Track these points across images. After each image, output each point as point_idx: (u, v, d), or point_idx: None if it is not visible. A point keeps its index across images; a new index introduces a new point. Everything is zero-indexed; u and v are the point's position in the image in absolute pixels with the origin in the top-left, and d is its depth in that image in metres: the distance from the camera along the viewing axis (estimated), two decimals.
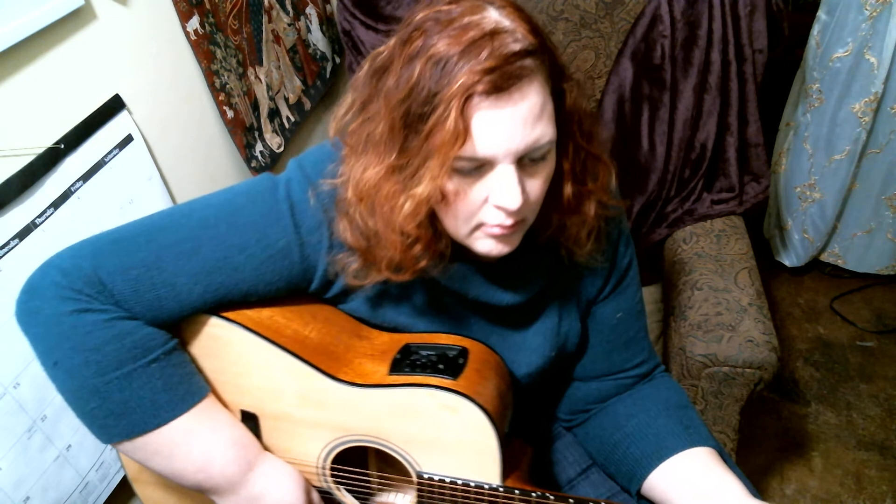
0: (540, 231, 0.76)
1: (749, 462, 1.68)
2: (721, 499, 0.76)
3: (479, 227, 0.68)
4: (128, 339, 0.69)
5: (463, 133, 0.60)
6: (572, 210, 0.74)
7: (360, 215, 0.69)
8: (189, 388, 0.74)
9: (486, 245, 0.69)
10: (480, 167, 0.64)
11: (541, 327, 0.85)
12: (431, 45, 0.60)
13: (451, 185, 0.64)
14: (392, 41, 0.66)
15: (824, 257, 2.14)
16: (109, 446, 0.99)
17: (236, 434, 0.77)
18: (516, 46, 0.60)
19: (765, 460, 1.70)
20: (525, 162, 0.64)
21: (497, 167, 0.63)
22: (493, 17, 0.62)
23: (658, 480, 0.82)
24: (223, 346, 0.78)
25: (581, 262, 0.80)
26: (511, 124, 0.61)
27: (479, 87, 0.59)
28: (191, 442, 0.74)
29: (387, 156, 0.65)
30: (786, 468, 1.68)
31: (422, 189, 0.63)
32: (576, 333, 0.87)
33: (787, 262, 2.15)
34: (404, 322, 0.82)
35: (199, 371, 0.79)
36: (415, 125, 0.62)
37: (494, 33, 0.60)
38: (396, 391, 0.75)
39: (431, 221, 0.69)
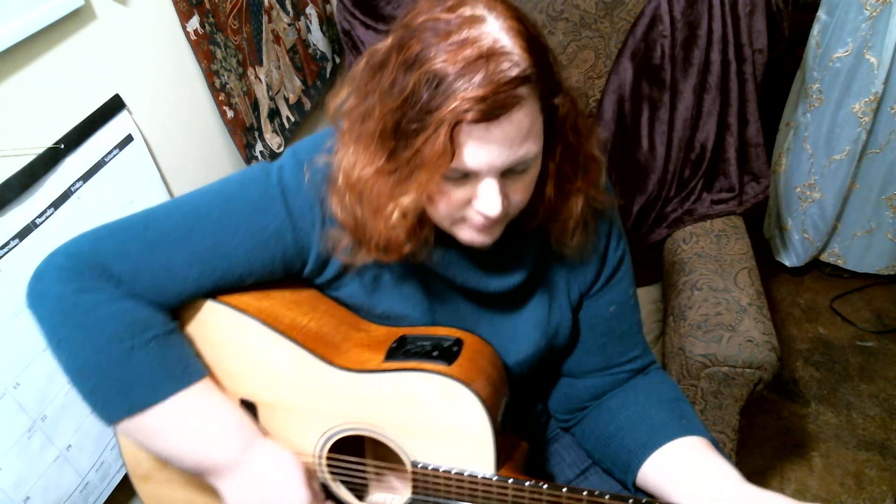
0: (527, 221, 0.77)
1: (749, 462, 1.68)
2: (715, 484, 0.76)
3: (461, 220, 0.71)
4: (126, 318, 0.72)
5: (451, 154, 0.62)
6: (558, 206, 0.76)
7: (348, 200, 0.72)
8: (186, 368, 0.76)
9: (468, 235, 0.72)
10: (465, 175, 0.66)
11: (531, 316, 0.86)
12: (427, 58, 0.61)
13: (436, 188, 0.67)
14: (389, 40, 0.66)
15: (824, 257, 2.14)
16: (110, 448, 0.99)
17: (234, 415, 0.78)
18: (512, 73, 0.60)
19: (765, 460, 1.70)
20: (508, 172, 0.67)
21: (481, 178, 0.66)
22: (492, 32, 0.61)
23: (652, 469, 0.82)
24: (224, 332, 0.79)
25: (571, 254, 0.82)
26: (497, 147, 0.63)
27: (469, 116, 0.60)
28: (188, 421, 0.75)
29: (377, 157, 0.67)
30: (786, 468, 1.68)
31: (409, 199, 0.67)
32: (567, 325, 0.88)
33: (787, 262, 2.15)
34: (398, 308, 0.83)
35: (200, 357, 0.80)
36: (405, 137, 0.64)
37: (491, 55, 0.60)
38: (391, 376, 0.76)
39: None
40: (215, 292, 0.79)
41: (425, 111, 0.61)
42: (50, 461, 0.90)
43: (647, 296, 1.52)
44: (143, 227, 0.75)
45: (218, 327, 0.79)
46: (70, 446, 0.93)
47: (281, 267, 0.79)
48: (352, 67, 0.72)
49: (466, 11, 0.62)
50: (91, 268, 0.72)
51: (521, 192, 0.70)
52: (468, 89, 0.59)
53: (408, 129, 0.63)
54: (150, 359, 0.72)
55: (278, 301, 0.81)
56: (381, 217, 0.70)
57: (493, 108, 0.60)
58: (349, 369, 0.77)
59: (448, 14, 0.62)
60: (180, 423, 0.74)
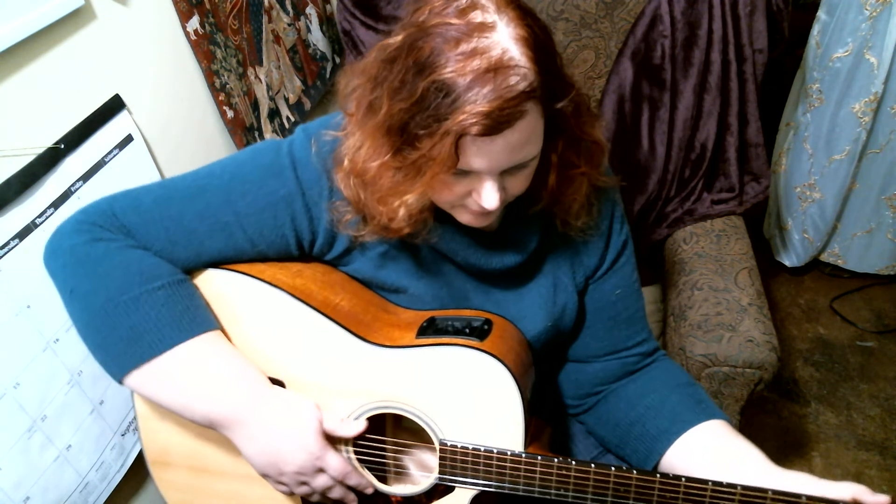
0: (530, 205, 0.79)
1: None
2: (743, 466, 0.78)
3: (461, 206, 0.74)
4: (135, 266, 0.74)
5: (454, 161, 0.65)
6: (561, 190, 0.78)
7: (353, 182, 0.74)
8: (195, 318, 0.76)
9: (467, 218, 0.75)
10: (466, 172, 0.69)
11: (536, 297, 0.87)
12: (437, 65, 0.62)
13: (438, 182, 0.70)
14: (400, 37, 0.67)
15: (824, 257, 2.14)
16: (110, 448, 0.99)
17: (243, 367, 0.78)
18: (519, 87, 0.62)
19: None
20: (508, 169, 0.69)
21: (481, 176, 0.69)
22: (501, 42, 0.62)
23: (676, 455, 0.83)
24: (259, 309, 0.80)
25: (576, 234, 0.84)
26: (498, 153, 0.66)
27: (475, 130, 0.62)
28: (196, 371, 0.75)
29: (383, 151, 0.69)
30: (786, 468, 1.67)
31: (413, 198, 0.70)
32: (573, 307, 0.89)
33: (787, 262, 2.15)
34: (404, 283, 0.85)
35: (228, 337, 0.80)
36: (411, 139, 0.66)
37: (499, 67, 0.61)
38: (425, 351, 0.77)
39: None
40: (227, 258, 0.80)
41: (433, 118, 0.63)
42: (50, 461, 0.90)
43: (647, 296, 1.52)
44: (158, 187, 0.80)
45: (250, 302, 0.80)
46: (70, 446, 0.93)
47: (292, 236, 0.80)
48: (364, 57, 0.73)
49: (477, 17, 0.63)
50: (103, 217, 0.75)
51: (519, 184, 0.73)
52: (476, 102, 0.61)
53: (414, 132, 0.65)
54: (156, 308, 0.73)
55: (311, 280, 0.83)
56: (384, 206, 0.72)
57: (497, 123, 0.62)
58: (383, 345, 0.79)
59: (459, 19, 0.63)
60: (188, 374, 0.75)
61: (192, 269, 0.81)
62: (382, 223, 0.75)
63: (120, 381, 0.75)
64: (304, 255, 0.85)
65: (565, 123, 0.72)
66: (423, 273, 0.85)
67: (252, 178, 0.78)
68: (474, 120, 0.61)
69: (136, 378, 0.74)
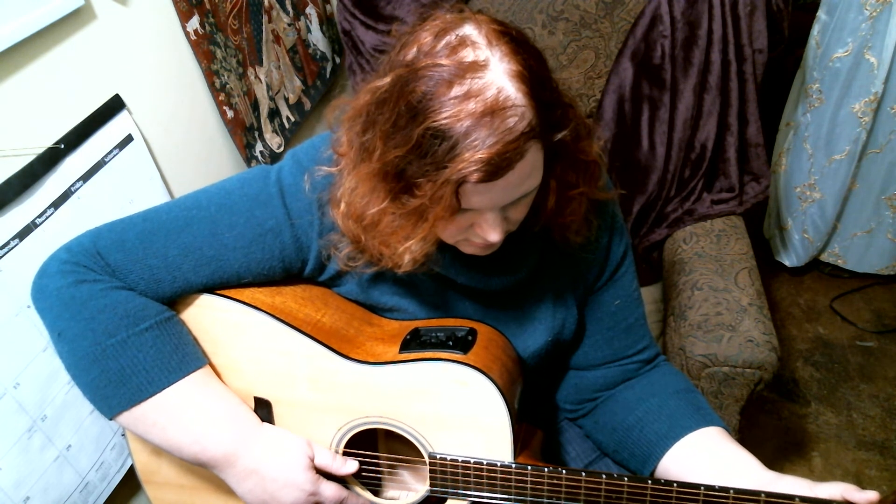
0: (529, 225, 0.78)
1: None
2: (738, 471, 0.78)
3: (464, 239, 0.73)
4: (120, 308, 0.73)
5: (456, 206, 0.63)
6: (560, 210, 0.77)
7: (352, 225, 0.72)
8: (183, 357, 0.76)
9: (470, 250, 0.74)
10: (467, 208, 0.67)
11: (536, 313, 0.86)
12: (431, 109, 0.59)
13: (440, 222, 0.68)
14: (389, 79, 0.64)
15: (824, 257, 2.14)
16: (110, 448, 0.99)
17: (231, 407, 0.78)
18: (518, 128, 0.60)
19: (765, 460, 1.67)
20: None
21: (483, 211, 0.67)
22: (496, 81, 0.59)
23: (673, 460, 0.83)
24: (240, 331, 0.80)
25: (575, 250, 0.83)
26: (500, 192, 0.64)
27: (475, 177, 0.60)
28: (185, 412, 0.75)
29: (381, 198, 0.67)
30: (786, 468, 1.68)
31: (417, 244, 0.68)
32: (572, 321, 0.89)
33: (787, 262, 2.15)
34: (399, 304, 0.84)
35: (211, 359, 0.80)
36: (409, 187, 0.64)
37: (495, 110, 0.59)
38: (408, 367, 0.77)
39: None
40: (213, 289, 0.79)
41: (431, 165, 0.61)
42: (50, 461, 0.90)
43: (647, 296, 1.52)
44: (142, 220, 0.77)
45: (234, 327, 0.80)
46: (70, 446, 0.93)
47: (280, 266, 0.79)
48: (353, 97, 0.71)
49: (468, 55, 0.60)
50: (87, 257, 0.74)
51: (520, 212, 0.72)
52: (475, 149, 0.59)
53: (412, 179, 0.63)
54: (144, 350, 0.73)
55: (290, 297, 0.82)
56: (387, 248, 0.71)
57: (498, 168, 0.60)
58: (365, 362, 0.78)
59: (449, 59, 0.60)
60: (175, 417, 0.75)
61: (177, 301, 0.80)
62: (387, 265, 0.73)
63: (110, 419, 0.75)
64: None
65: (564, 150, 0.70)
66: (420, 294, 0.84)
67: (239, 209, 0.76)
68: (474, 167, 0.59)
69: (126, 418, 0.75)
